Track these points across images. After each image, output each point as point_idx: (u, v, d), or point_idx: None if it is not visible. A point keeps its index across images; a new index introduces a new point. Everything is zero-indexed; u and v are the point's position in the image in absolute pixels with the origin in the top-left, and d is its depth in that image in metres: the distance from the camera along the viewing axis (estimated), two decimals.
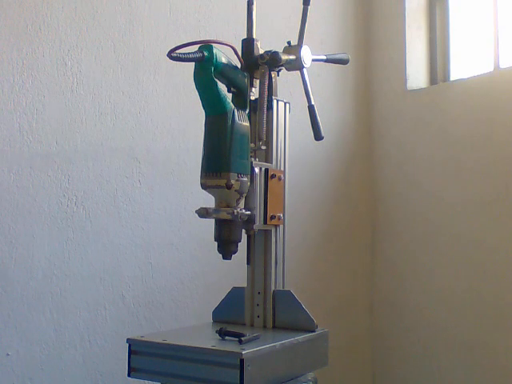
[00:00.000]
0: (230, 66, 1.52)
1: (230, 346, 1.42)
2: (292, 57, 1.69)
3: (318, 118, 1.72)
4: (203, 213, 1.50)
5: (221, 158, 1.48)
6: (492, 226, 2.61)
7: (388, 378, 3.05)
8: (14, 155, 2.13)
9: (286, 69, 1.73)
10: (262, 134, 1.60)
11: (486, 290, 2.61)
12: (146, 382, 1.57)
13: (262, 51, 1.64)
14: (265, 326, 1.65)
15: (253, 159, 1.59)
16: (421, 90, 3.01)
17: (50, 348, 2.17)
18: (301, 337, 1.54)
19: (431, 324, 2.84)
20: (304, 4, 1.71)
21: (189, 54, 1.42)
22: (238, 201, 1.52)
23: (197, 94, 1.48)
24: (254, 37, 1.65)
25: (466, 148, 2.72)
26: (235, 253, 1.54)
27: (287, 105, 1.74)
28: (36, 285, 2.15)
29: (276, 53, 1.60)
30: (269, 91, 1.62)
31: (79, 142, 2.26)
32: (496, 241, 2.59)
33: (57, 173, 2.21)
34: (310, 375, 1.57)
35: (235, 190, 1.49)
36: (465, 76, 2.85)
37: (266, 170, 1.63)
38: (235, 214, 1.49)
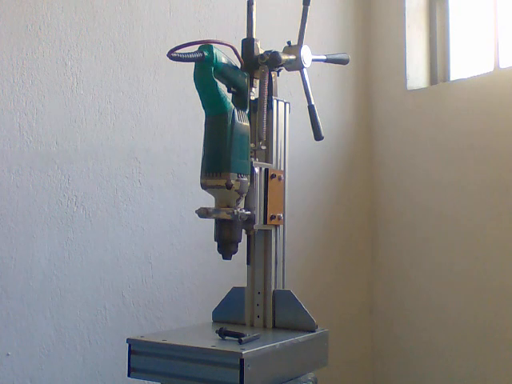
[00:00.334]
0: (230, 66, 1.52)
1: (230, 345, 1.42)
2: (292, 57, 1.69)
3: (318, 118, 1.72)
4: (203, 213, 1.50)
5: (221, 158, 1.48)
6: (492, 226, 2.61)
7: (388, 378, 3.05)
8: (14, 155, 2.13)
9: (286, 69, 1.73)
10: (262, 134, 1.60)
11: (487, 290, 2.61)
12: (146, 382, 1.56)
13: (262, 51, 1.64)
14: (265, 326, 1.65)
15: (253, 159, 1.59)
16: (421, 89, 3.01)
17: (49, 348, 2.17)
18: (301, 337, 1.54)
19: (431, 324, 2.84)
20: (304, 4, 1.71)
21: (189, 54, 1.42)
22: (238, 201, 1.52)
23: (197, 93, 1.48)
24: (254, 37, 1.65)
25: (466, 148, 2.72)
26: (235, 253, 1.54)
27: (287, 105, 1.74)
28: (36, 285, 2.15)
29: (276, 53, 1.60)
30: (269, 91, 1.62)
31: (79, 142, 2.26)
32: (496, 243, 2.59)
33: (57, 173, 2.21)
34: (310, 375, 1.57)
35: (235, 190, 1.49)
36: (465, 76, 2.85)
37: (266, 170, 1.63)
38: (235, 213, 1.49)
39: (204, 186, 1.51)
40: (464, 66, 2.97)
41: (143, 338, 1.51)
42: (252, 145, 1.58)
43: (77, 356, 2.22)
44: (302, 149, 2.75)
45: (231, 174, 1.47)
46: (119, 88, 2.36)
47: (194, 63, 1.46)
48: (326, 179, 3.00)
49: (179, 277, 2.47)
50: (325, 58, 1.80)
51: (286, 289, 1.69)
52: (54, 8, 2.23)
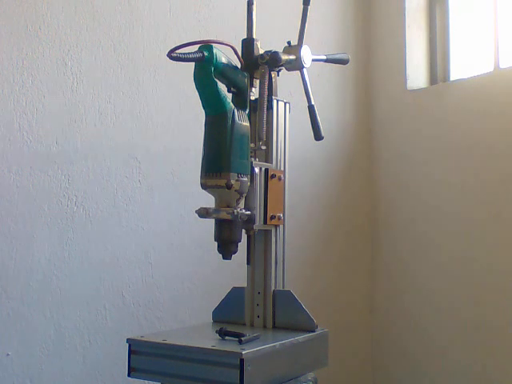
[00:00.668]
0: (230, 66, 1.52)
1: (230, 346, 1.42)
2: (292, 57, 1.69)
3: (318, 118, 1.72)
4: (203, 213, 1.50)
5: (221, 158, 1.48)
6: (492, 226, 2.61)
7: (388, 378, 3.05)
8: (14, 155, 2.13)
9: (286, 69, 1.73)
10: (262, 134, 1.60)
11: (486, 292, 2.61)
12: (146, 382, 1.56)
13: (262, 51, 1.64)
14: (265, 326, 1.65)
15: (253, 159, 1.59)
16: (421, 89, 3.01)
17: (49, 348, 2.17)
18: (301, 337, 1.54)
19: (431, 324, 2.84)
20: (304, 4, 1.71)
21: (189, 54, 1.42)
22: (238, 201, 1.52)
23: (197, 93, 1.48)
24: (254, 37, 1.65)
25: (466, 148, 2.72)
26: (235, 253, 1.54)
27: (287, 105, 1.74)
28: (36, 285, 2.15)
29: (276, 53, 1.60)
30: (269, 91, 1.62)
31: (79, 142, 2.26)
32: (496, 242, 2.59)
33: (57, 173, 2.21)
34: (310, 375, 1.57)
35: (235, 190, 1.49)
36: (465, 76, 2.85)
37: (266, 170, 1.63)
38: (235, 213, 1.49)
39: (204, 186, 1.51)
40: (464, 65, 2.97)
41: (143, 338, 1.51)
42: (252, 145, 1.58)
43: (77, 356, 2.22)
44: (302, 149, 2.75)
45: (231, 174, 1.47)
46: (119, 88, 2.36)
47: (193, 63, 1.46)
48: (325, 179, 3.00)
49: (179, 277, 2.47)
50: (325, 57, 1.80)
51: (285, 289, 1.69)
52: (54, 8, 2.23)
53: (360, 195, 3.12)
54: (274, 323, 1.65)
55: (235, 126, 1.48)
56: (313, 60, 1.74)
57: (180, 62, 1.44)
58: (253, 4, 1.66)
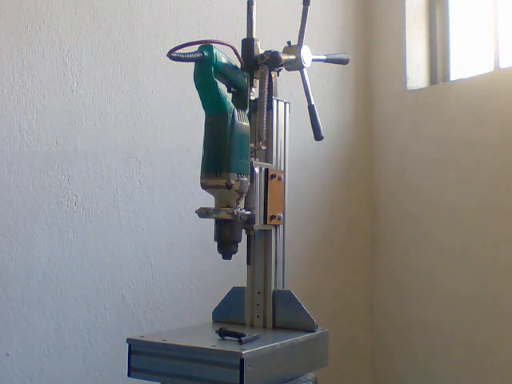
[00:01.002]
0: (230, 66, 1.52)
1: (230, 346, 1.42)
2: (292, 57, 1.69)
3: (318, 117, 1.72)
4: (203, 213, 1.50)
5: (221, 158, 1.48)
6: (492, 226, 2.61)
7: (388, 378, 3.04)
8: (14, 155, 2.13)
9: (286, 69, 1.73)
10: (262, 134, 1.60)
11: (486, 291, 2.61)
12: (146, 382, 1.57)
13: (262, 51, 1.64)
14: (265, 326, 1.65)
15: (253, 159, 1.59)
16: (421, 89, 3.01)
17: (50, 348, 2.17)
18: (301, 337, 1.54)
19: (431, 324, 2.84)
20: (304, 4, 1.71)
21: (189, 54, 1.42)
22: (238, 201, 1.52)
23: (197, 93, 1.48)
24: (254, 37, 1.65)
25: (466, 148, 2.72)
26: (235, 253, 1.54)
27: (287, 105, 1.74)
28: (36, 285, 2.15)
29: (276, 53, 1.60)
30: (269, 91, 1.62)
31: (79, 142, 2.26)
32: (496, 242, 2.59)
33: (57, 173, 2.21)
34: (310, 375, 1.57)
35: (235, 190, 1.49)
36: (465, 76, 2.85)
37: (266, 170, 1.63)
38: (235, 214, 1.49)
39: (204, 186, 1.51)
40: (464, 65, 2.97)
41: (143, 338, 1.51)
42: (252, 145, 1.58)
43: (77, 356, 2.22)
44: (301, 149, 2.75)
45: (231, 173, 1.47)
46: (119, 88, 2.36)
47: (193, 63, 1.46)
48: (326, 179, 3.00)
49: (179, 277, 2.47)
50: (325, 57, 1.80)
51: (285, 289, 1.69)
52: (54, 8, 2.23)
53: (360, 195, 3.12)
54: (273, 323, 1.65)
55: (235, 126, 1.48)
56: (313, 60, 1.74)
57: (180, 62, 1.44)
58: (253, 4, 1.66)
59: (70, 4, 2.26)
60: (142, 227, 2.39)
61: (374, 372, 3.10)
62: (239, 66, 1.59)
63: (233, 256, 1.54)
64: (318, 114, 1.72)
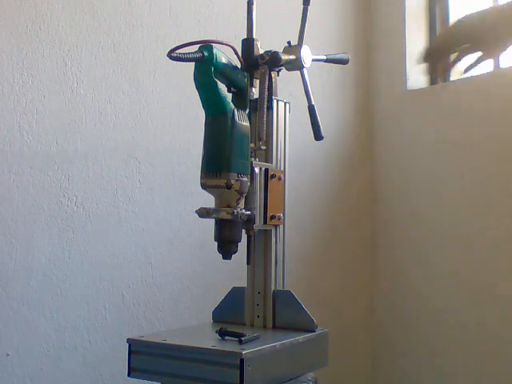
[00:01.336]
0: (230, 66, 1.52)
1: (230, 345, 1.42)
2: (292, 57, 1.69)
3: (318, 117, 1.72)
4: (203, 213, 1.50)
5: (221, 158, 1.48)
6: (493, 226, 2.61)
7: (388, 378, 3.05)
8: (14, 155, 2.13)
9: (286, 69, 1.73)
10: (262, 133, 1.60)
11: (488, 289, 2.61)
12: (146, 381, 1.57)
13: (262, 51, 1.63)
14: (265, 326, 1.65)
15: (253, 159, 1.59)
16: (421, 89, 3.01)
17: (49, 348, 2.17)
18: (301, 337, 1.54)
19: (432, 323, 2.84)
20: (304, 4, 1.71)
21: (189, 54, 1.42)
22: (238, 201, 1.52)
23: (197, 93, 1.48)
24: (254, 37, 1.64)
25: (466, 148, 2.72)
26: (235, 253, 1.54)
27: (287, 105, 1.74)
28: (36, 285, 2.15)
29: (276, 53, 1.60)
30: (269, 91, 1.62)
31: (79, 142, 2.26)
32: (497, 241, 2.59)
33: (57, 173, 2.21)
34: (310, 375, 1.57)
35: (235, 190, 1.49)
36: (465, 76, 2.85)
37: (266, 170, 1.63)
38: (235, 214, 1.49)
39: (204, 186, 1.51)
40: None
41: (143, 338, 1.51)
42: (252, 145, 1.58)
43: (77, 356, 2.22)
44: (301, 149, 2.75)
45: (231, 173, 1.47)
46: (119, 88, 2.36)
47: (193, 63, 1.46)
48: (326, 179, 3.00)
49: (179, 277, 2.47)
50: (325, 57, 1.80)
51: (285, 289, 1.69)
52: (54, 8, 2.23)
53: (360, 195, 3.12)
54: (274, 323, 1.65)
55: (235, 126, 1.48)
56: (313, 60, 1.74)
57: (180, 62, 1.44)
58: (253, 4, 1.66)
59: (69, 4, 2.26)
60: (141, 227, 2.39)
61: (373, 372, 3.10)
62: (239, 65, 1.59)
63: (233, 256, 1.54)
64: (318, 114, 1.72)
